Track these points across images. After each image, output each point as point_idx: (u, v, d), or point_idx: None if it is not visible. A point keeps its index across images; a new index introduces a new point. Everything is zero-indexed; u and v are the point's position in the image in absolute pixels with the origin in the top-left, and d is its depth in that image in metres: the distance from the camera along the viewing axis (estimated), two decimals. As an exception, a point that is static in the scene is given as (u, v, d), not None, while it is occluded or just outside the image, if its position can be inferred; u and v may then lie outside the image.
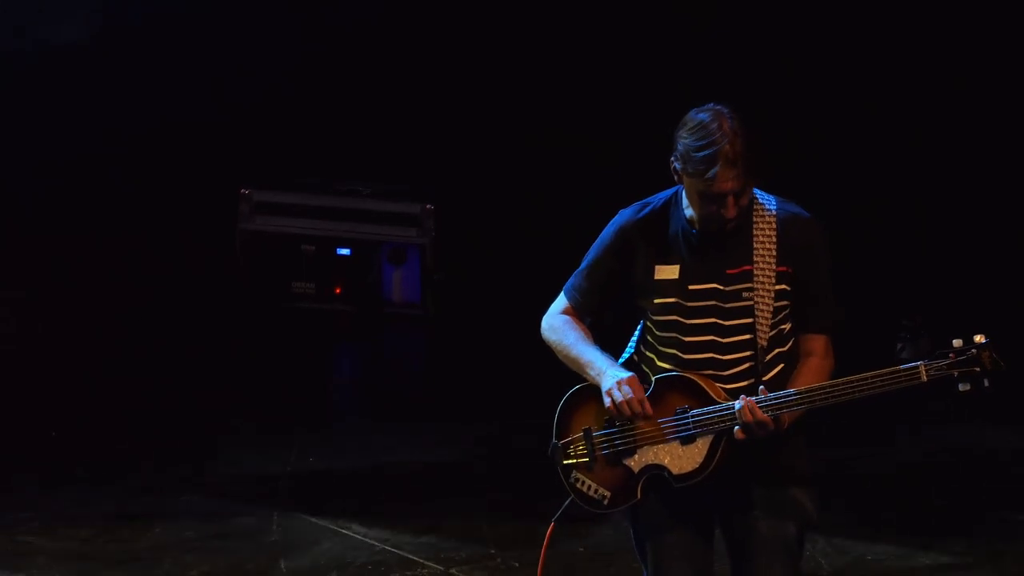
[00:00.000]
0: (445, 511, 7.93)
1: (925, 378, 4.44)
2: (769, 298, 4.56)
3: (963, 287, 10.15)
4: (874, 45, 10.44)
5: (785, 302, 4.60)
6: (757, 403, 4.48)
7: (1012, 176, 10.39)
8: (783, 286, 4.58)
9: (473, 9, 10.75)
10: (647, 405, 4.58)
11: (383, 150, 11.00)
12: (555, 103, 10.71)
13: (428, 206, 10.65)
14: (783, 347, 4.63)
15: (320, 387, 10.35)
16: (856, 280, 9.30)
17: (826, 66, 10.43)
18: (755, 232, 4.57)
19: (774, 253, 4.56)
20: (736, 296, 4.57)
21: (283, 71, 10.90)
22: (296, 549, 7.41)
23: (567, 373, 4.76)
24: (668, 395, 4.59)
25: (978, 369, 4.41)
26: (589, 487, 4.69)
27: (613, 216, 4.73)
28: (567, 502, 4.74)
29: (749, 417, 4.46)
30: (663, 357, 4.63)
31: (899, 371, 4.45)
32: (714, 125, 4.45)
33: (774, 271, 4.56)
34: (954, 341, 4.44)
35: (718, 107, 4.50)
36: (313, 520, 7.82)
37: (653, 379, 4.62)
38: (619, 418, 4.62)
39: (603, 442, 4.67)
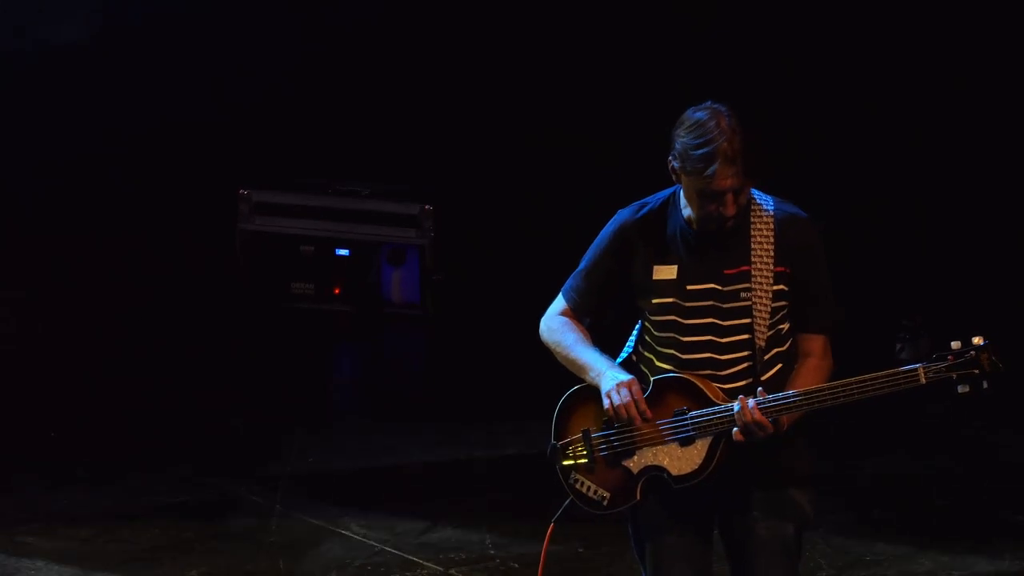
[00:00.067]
0: (445, 511, 7.93)
1: (924, 380, 4.44)
2: (767, 298, 4.56)
3: (963, 287, 10.14)
4: (874, 45, 10.43)
5: (783, 302, 4.60)
6: (756, 405, 4.48)
7: (1012, 176, 10.38)
8: (781, 286, 4.58)
9: (473, 9, 10.74)
10: (646, 409, 4.58)
11: (383, 150, 10.99)
12: (555, 103, 10.70)
13: (427, 207, 10.63)
14: (781, 347, 4.63)
15: (320, 387, 10.34)
16: (856, 280, 9.30)
17: (826, 66, 10.42)
18: (753, 232, 4.57)
19: (772, 253, 4.57)
20: (734, 296, 4.57)
21: (283, 71, 10.89)
22: (296, 549, 7.40)
23: (566, 374, 4.76)
24: (667, 396, 4.59)
25: (977, 371, 4.42)
26: (588, 488, 4.69)
27: (612, 216, 4.73)
28: (566, 503, 4.74)
29: (748, 418, 4.47)
30: (661, 357, 4.64)
31: (898, 373, 4.45)
32: (712, 123, 4.46)
33: (772, 271, 4.56)
34: (952, 343, 4.44)
35: (715, 105, 4.51)
36: (313, 520, 7.82)
37: (652, 380, 4.62)
38: (618, 420, 4.62)
39: (602, 443, 4.67)
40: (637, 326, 4.75)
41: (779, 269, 4.57)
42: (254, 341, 10.58)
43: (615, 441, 4.65)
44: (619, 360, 4.73)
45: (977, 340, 4.44)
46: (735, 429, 4.50)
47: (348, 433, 9.54)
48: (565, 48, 10.69)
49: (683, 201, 4.60)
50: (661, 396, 4.60)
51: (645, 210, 4.68)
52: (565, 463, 4.72)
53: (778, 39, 10.42)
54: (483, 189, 10.81)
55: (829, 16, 10.41)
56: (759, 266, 4.57)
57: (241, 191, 10.75)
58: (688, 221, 4.59)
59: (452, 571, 7.13)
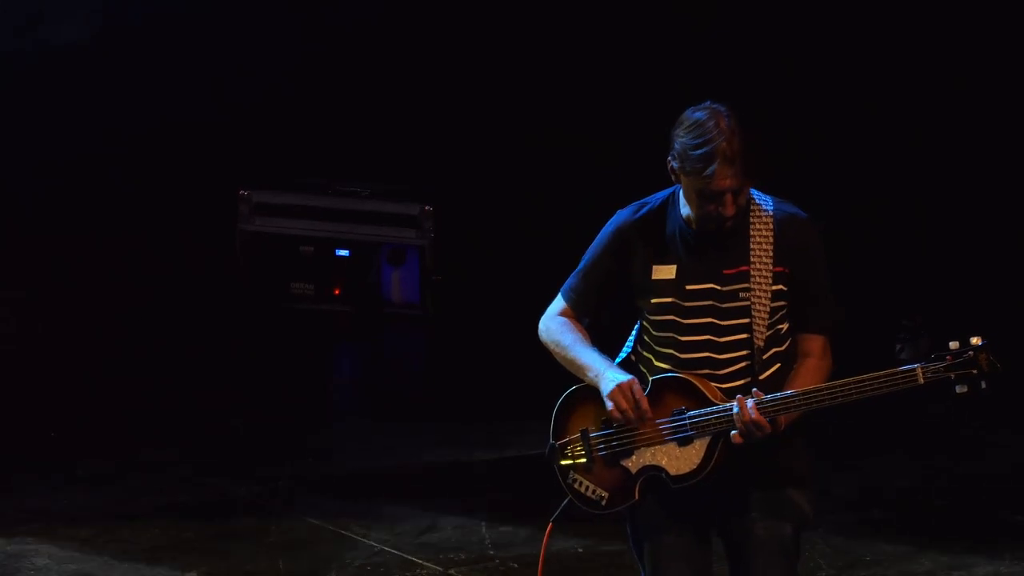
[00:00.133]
0: (445, 511, 7.93)
1: (922, 380, 4.44)
2: (766, 298, 4.56)
3: (963, 287, 10.15)
4: (874, 45, 10.43)
5: (782, 302, 4.60)
6: (754, 404, 4.48)
7: (1012, 176, 10.38)
8: (780, 286, 4.58)
9: (473, 9, 10.75)
10: (648, 409, 4.58)
11: (382, 151, 11.00)
12: (555, 103, 10.70)
13: (427, 207, 10.64)
14: (780, 347, 4.63)
15: (320, 387, 10.35)
16: (856, 280, 9.31)
17: (826, 66, 10.42)
18: (752, 232, 4.57)
19: (771, 253, 4.56)
20: (733, 296, 4.57)
21: (283, 71, 10.89)
22: (296, 549, 7.41)
23: (566, 374, 4.76)
24: (665, 396, 4.59)
25: (975, 371, 4.42)
26: (587, 488, 4.69)
27: (612, 216, 4.73)
28: (564, 503, 4.74)
29: (746, 418, 4.47)
30: (660, 357, 4.64)
31: (896, 373, 4.45)
32: (711, 123, 4.45)
33: (771, 271, 4.56)
34: (951, 343, 4.44)
35: (715, 105, 4.51)
36: (313, 520, 7.82)
37: (650, 380, 4.62)
38: (620, 421, 4.62)
39: (600, 443, 4.67)
40: (636, 326, 4.75)
41: (778, 269, 4.57)
42: (254, 341, 10.59)
43: (614, 441, 4.65)
44: (618, 360, 4.73)
45: (975, 340, 4.44)
46: (733, 431, 4.50)
47: (348, 433, 9.54)
48: (565, 48, 10.69)
49: (682, 201, 4.60)
50: (660, 396, 4.60)
51: (644, 210, 4.68)
52: (563, 463, 4.72)
53: (778, 39, 10.42)
54: (483, 189, 10.82)
55: (829, 16, 10.41)
56: (758, 266, 4.57)
57: (241, 191, 10.75)
58: (687, 221, 4.59)
59: (452, 571, 7.13)
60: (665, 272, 4.61)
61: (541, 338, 4.80)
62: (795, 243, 4.58)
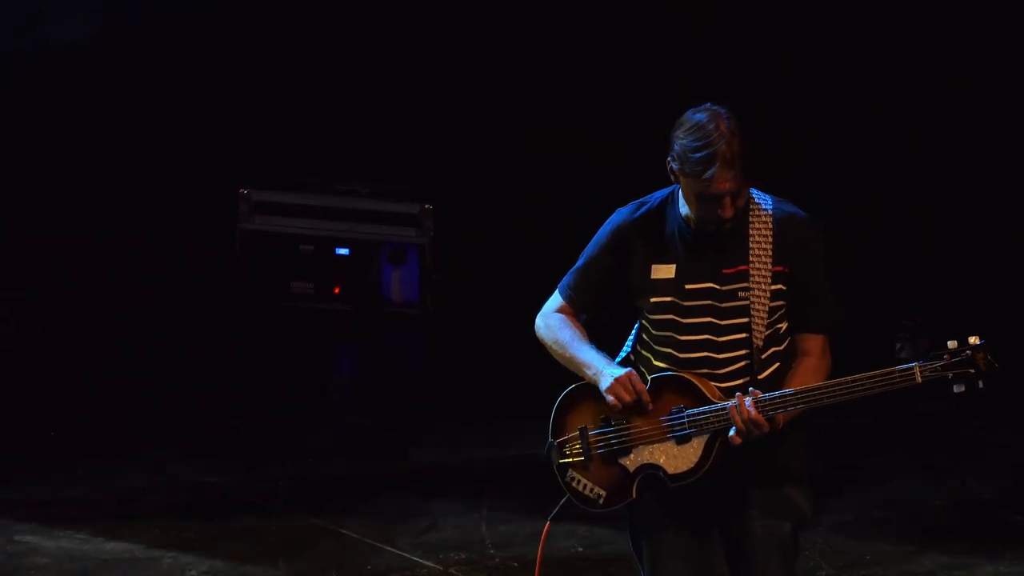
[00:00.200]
0: (445, 511, 7.93)
1: (920, 379, 4.45)
2: (765, 298, 4.57)
3: (963, 287, 10.15)
4: (874, 45, 10.43)
5: (781, 302, 4.60)
6: (752, 403, 4.48)
7: (1012, 176, 10.38)
8: (779, 286, 4.58)
9: (473, 9, 10.74)
10: (649, 400, 4.58)
11: (382, 150, 10.99)
12: (555, 103, 10.70)
13: (427, 206, 10.63)
14: (779, 346, 4.64)
15: (320, 387, 10.34)
16: (856, 280, 9.31)
17: (826, 66, 10.42)
18: (751, 232, 4.58)
19: (770, 253, 4.57)
20: (732, 296, 4.57)
21: (283, 71, 10.88)
22: (296, 549, 7.41)
23: (566, 373, 4.76)
24: (664, 395, 4.60)
25: (973, 371, 4.42)
26: (585, 486, 4.69)
27: (611, 215, 4.73)
28: (562, 501, 4.75)
29: (745, 415, 4.47)
30: (659, 356, 4.64)
31: (894, 372, 4.46)
32: (711, 126, 4.46)
33: (770, 271, 4.57)
34: (949, 342, 4.45)
35: (715, 107, 4.51)
36: (313, 520, 7.83)
37: (649, 379, 4.63)
38: (616, 417, 4.62)
39: (599, 441, 4.67)
40: (635, 325, 4.75)
41: (777, 269, 4.58)
42: (254, 341, 10.58)
43: (612, 439, 4.65)
44: (617, 360, 4.73)
45: (973, 340, 4.44)
46: (732, 432, 4.50)
47: (348, 433, 9.55)
48: (565, 48, 10.69)
49: (681, 200, 4.60)
50: (659, 395, 4.60)
51: (644, 209, 4.68)
52: (562, 461, 4.72)
53: (778, 39, 10.42)
54: (483, 189, 10.81)
55: (829, 16, 10.41)
56: (757, 266, 4.57)
57: (241, 191, 10.74)
58: (686, 220, 4.60)
59: (452, 571, 7.13)
60: (664, 271, 4.61)
61: (538, 335, 4.80)
62: (794, 243, 4.59)
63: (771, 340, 4.61)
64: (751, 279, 4.57)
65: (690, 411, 4.57)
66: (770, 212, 4.60)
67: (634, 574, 4.83)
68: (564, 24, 10.67)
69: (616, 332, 4.86)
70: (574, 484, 4.71)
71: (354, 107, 11.06)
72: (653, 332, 4.65)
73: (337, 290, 10.79)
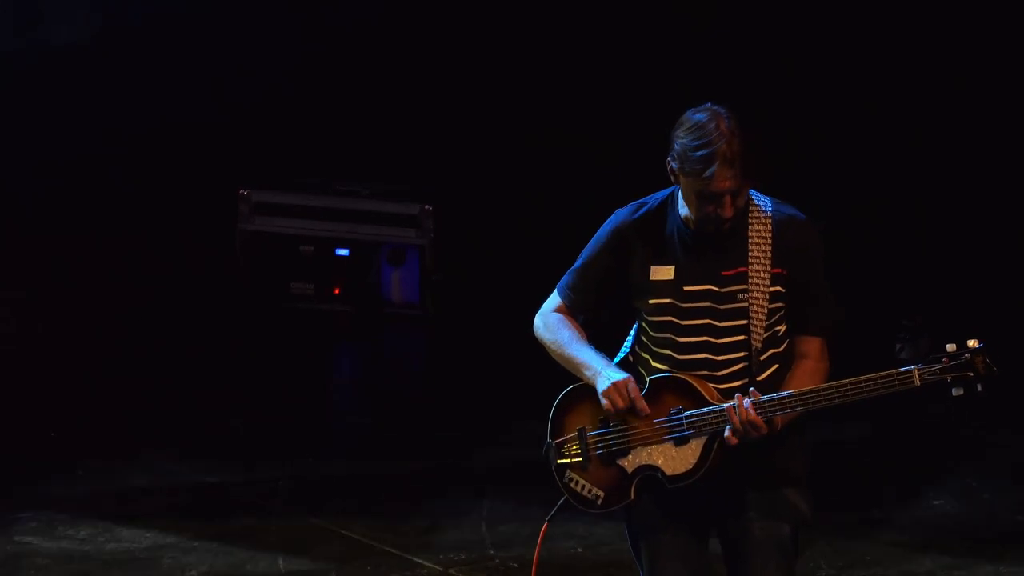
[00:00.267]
0: (445, 511, 7.93)
1: (918, 382, 4.45)
2: (764, 300, 4.57)
3: (963, 287, 10.14)
4: (874, 45, 10.43)
5: (780, 304, 4.60)
6: (751, 404, 4.48)
7: (1012, 176, 10.38)
8: (778, 288, 4.58)
9: (473, 9, 10.74)
10: (644, 406, 4.59)
11: (382, 150, 10.99)
12: (555, 103, 10.70)
13: (427, 207, 10.64)
14: (778, 348, 4.64)
15: (320, 387, 10.34)
16: (856, 280, 9.30)
17: (826, 66, 10.42)
18: (750, 233, 4.58)
19: (769, 255, 4.57)
20: (731, 298, 4.57)
21: (283, 71, 10.89)
22: (296, 549, 7.41)
23: (566, 374, 4.76)
24: (663, 396, 4.60)
25: (971, 374, 4.42)
26: (583, 487, 4.69)
27: (610, 215, 4.73)
28: (561, 502, 4.75)
29: (743, 417, 4.47)
30: (658, 358, 4.64)
31: (892, 375, 4.46)
32: (711, 125, 4.46)
33: (769, 273, 4.57)
34: (947, 345, 4.45)
35: (715, 107, 4.52)
36: (313, 520, 7.82)
37: (647, 380, 4.63)
38: (614, 418, 4.62)
39: (597, 442, 4.67)
40: (634, 326, 4.75)
41: (776, 271, 4.58)
42: (254, 341, 10.58)
43: (610, 440, 4.65)
44: (616, 360, 4.73)
45: (972, 343, 4.45)
46: (728, 432, 4.50)
47: (348, 433, 9.54)
48: (565, 48, 10.69)
49: (681, 202, 4.61)
50: (657, 396, 4.60)
51: (643, 210, 4.68)
52: (560, 461, 4.72)
53: (778, 39, 10.42)
54: (483, 189, 10.81)
55: (829, 16, 10.40)
56: (756, 267, 4.57)
57: (241, 191, 10.75)
58: (686, 221, 4.60)
59: (452, 571, 7.13)
60: (663, 273, 4.61)
61: (537, 334, 4.80)
62: (794, 244, 4.59)
63: (770, 342, 4.61)
64: (750, 281, 4.57)
65: (689, 412, 4.57)
66: (769, 214, 4.60)
67: (633, 574, 4.82)
68: (564, 24, 10.67)
69: (615, 332, 4.86)
70: (572, 485, 4.71)
71: (354, 107, 11.06)
72: (652, 333, 4.65)
73: (337, 291, 10.80)
